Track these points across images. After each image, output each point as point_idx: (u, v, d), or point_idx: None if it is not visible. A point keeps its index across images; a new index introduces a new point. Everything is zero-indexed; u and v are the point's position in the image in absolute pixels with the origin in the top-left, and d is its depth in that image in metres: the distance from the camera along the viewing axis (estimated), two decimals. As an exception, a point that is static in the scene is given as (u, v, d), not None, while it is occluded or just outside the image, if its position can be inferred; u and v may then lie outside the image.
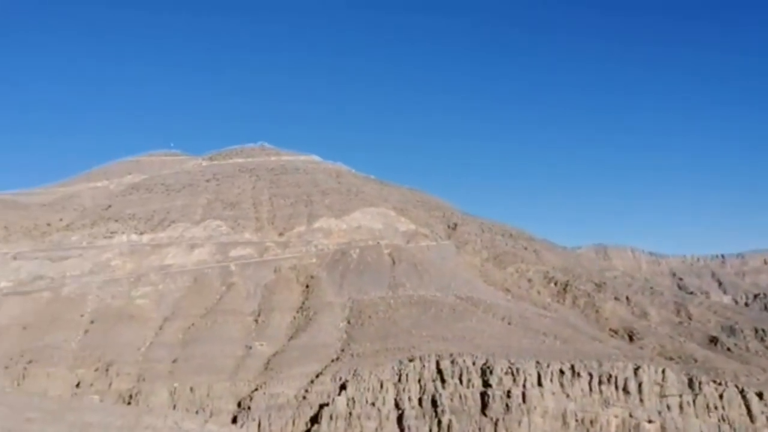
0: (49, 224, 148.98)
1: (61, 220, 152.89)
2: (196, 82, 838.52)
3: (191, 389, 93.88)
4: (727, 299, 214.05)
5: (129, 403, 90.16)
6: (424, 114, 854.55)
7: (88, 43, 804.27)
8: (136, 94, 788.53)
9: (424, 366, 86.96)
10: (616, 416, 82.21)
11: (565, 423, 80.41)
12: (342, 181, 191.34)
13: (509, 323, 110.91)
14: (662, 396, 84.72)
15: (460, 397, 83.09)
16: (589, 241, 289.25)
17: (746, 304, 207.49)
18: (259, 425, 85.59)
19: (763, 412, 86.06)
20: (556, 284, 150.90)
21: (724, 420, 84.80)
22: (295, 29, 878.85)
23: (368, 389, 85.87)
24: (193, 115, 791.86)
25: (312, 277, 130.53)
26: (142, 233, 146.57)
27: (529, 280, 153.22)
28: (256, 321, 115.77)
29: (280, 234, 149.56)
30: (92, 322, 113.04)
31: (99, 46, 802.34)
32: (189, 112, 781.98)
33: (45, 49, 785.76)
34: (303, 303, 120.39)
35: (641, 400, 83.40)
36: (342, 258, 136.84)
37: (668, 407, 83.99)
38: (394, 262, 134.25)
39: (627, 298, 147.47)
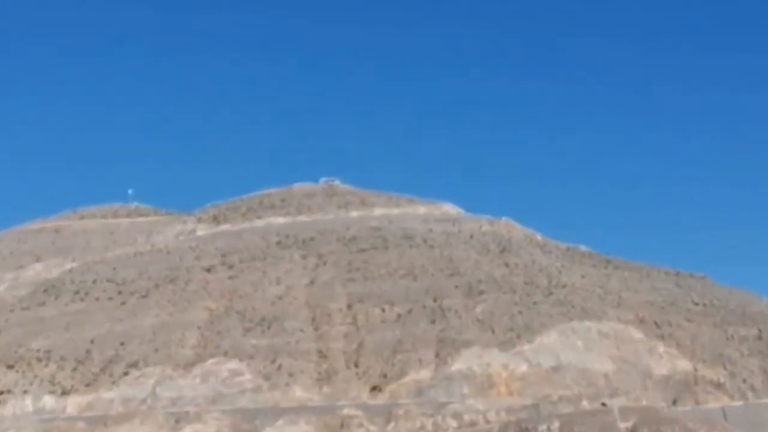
0: None
1: None
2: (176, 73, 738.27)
3: None
4: None
5: None
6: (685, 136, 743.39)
7: None
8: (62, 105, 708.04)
9: None
10: None
11: None
12: (514, 261, 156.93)
13: None
14: None
15: None
16: None
17: None
18: None
19: None
20: None
21: None
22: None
23: None
24: (175, 139, 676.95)
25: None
26: (65, 393, 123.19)
27: None
28: None
29: (374, 388, 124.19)
30: None
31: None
32: (166, 134, 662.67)
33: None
34: None
35: None
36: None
37: None
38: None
39: None
